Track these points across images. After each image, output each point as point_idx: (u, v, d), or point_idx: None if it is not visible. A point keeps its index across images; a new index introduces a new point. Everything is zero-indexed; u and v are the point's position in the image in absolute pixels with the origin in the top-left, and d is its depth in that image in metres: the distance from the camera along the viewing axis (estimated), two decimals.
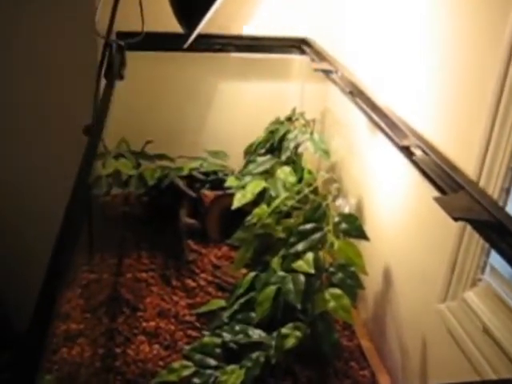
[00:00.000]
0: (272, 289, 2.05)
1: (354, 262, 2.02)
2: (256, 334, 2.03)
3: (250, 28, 2.85)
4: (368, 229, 2.11)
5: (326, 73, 2.51)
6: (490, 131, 1.52)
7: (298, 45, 2.87)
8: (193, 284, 2.48)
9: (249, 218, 2.37)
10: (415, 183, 1.92)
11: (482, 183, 1.54)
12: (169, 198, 2.73)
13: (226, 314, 2.17)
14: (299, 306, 1.96)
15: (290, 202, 2.33)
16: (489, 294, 1.62)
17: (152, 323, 2.24)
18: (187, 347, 2.08)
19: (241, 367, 1.92)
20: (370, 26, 2.43)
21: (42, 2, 2.55)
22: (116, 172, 2.63)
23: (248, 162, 2.74)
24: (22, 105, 2.69)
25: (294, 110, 2.80)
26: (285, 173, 2.54)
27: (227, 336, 2.04)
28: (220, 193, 2.74)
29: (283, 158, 2.60)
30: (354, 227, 2.08)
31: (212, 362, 1.98)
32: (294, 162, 2.62)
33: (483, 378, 1.52)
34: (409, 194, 2.04)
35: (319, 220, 2.11)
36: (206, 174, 2.85)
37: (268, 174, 2.59)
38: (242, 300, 2.18)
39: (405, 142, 1.81)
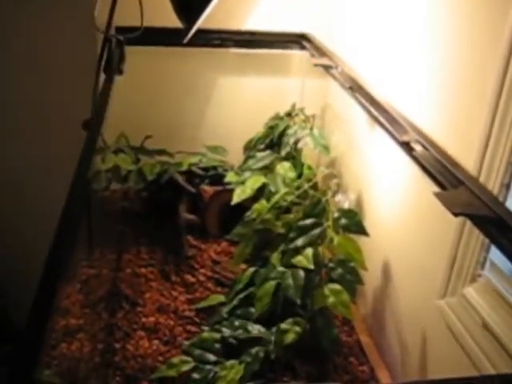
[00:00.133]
0: (271, 284, 2.05)
1: (354, 258, 2.02)
2: (255, 329, 2.03)
3: (250, 23, 2.84)
4: (367, 224, 2.11)
5: (326, 68, 2.51)
6: (490, 127, 1.51)
7: (297, 40, 2.87)
8: (192, 279, 2.48)
9: (248, 213, 2.37)
10: (415, 178, 1.92)
11: (482, 178, 1.54)
12: (168, 194, 2.73)
13: (225, 310, 2.17)
14: (299, 302, 1.97)
15: (290, 198, 2.32)
16: (488, 290, 1.62)
17: (151, 318, 2.24)
18: (187, 342, 2.08)
19: (240, 362, 1.92)
20: (370, 22, 2.43)
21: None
22: (115, 167, 2.62)
23: (247, 158, 2.74)
24: (21, 104, 2.68)
25: (293, 106, 2.80)
26: (284, 168, 2.54)
27: (226, 331, 2.04)
28: (219, 188, 2.74)
29: (283, 153, 2.60)
30: (354, 223, 2.08)
31: (211, 357, 1.98)
32: (294, 157, 2.61)
33: (482, 373, 1.52)
34: (408, 189, 2.03)
35: (319, 215, 2.11)
36: (206, 169, 2.85)
37: (267, 169, 2.59)
38: (241, 295, 2.18)
39: (405, 138, 1.81)
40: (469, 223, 1.59)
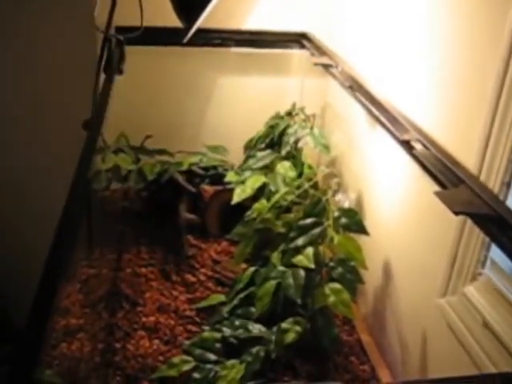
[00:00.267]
0: (272, 284, 2.05)
1: (354, 257, 2.02)
2: (256, 328, 2.03)
3: (250, 22, 2.84)
4: (368, 223, 2.11)
5: (326, 67, 2.50)
6: (490, 126, 1.51)
7: (297, 39, 2.87)
8: (192, 279, 2.48)
9: (248, 212, 2.36)
10: (415, 177, 1.92)
11: (482, 177, 1.54)
12: (168, 193, 2.73)
13: (225, 309, 2.17)
14: (299, 301, 1.97)
15: (290, 197, 2.32)
16: (489, 289, 1.62)
17: (152, 318, 2.24)
18: (187, 342, 2.08)
19: (241, 362, 1.92)
20: (370, 21, 2.42)
21: None
22: (115, 167, 2.63)
23: (248, 157, 2.74)
24: (21, 104, 2.68)
25: (293, 105, 2.79)
26: (285, 168, 2.53)
27: (227, 331, 2.04)
28: (220, 188, 2.74)
29: (283, 152, 2.59)
30: (354, 222, 2.08)
31: (212, 356, 1.98)
32: (294, 156, 2.61)
33: (483, 372, 1.52)
34: (409, 188, 2.03)
35: (319, 215, 2.11)
36: (206, 168, 2.85)
37: (268, 168, 2.59)
38: (241, 295, 2.18)
39: (405, 136, 1.81)
40: (469, 222, 1.59)
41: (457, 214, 1.41)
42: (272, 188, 2.45)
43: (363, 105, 2.14)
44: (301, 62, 2.95)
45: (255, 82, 2.99)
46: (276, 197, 2.32)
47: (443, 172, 1.60)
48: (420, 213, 1.95)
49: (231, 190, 2.54)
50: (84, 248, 2.58)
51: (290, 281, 2.01)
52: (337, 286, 1.98)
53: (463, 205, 1.41)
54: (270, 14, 2.85)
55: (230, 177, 2.68)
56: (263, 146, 2.73)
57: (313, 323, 2.00)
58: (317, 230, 2.08)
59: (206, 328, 2.14)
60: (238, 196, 2.49)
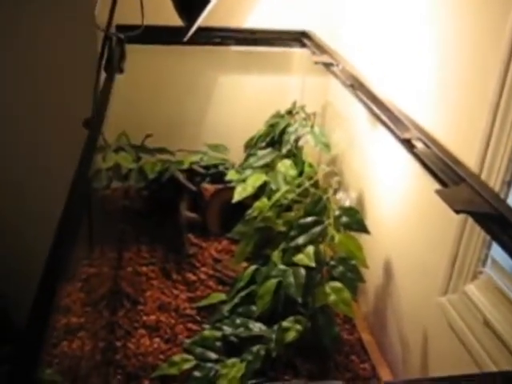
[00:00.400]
0: (273, 282, 2.05)
1: (355, 256, 2.01)
2: (256, 327, 2.03)
3: (251, 21, 2.84)
4: (369, 222, 2.11)
5: (327, 66, 2.50)
6: (491, 124, 1.51)
7: (298, 38, 2.86)
8: (193, 278, 2.48)
9: (249, 211, 2.36)
10: (416, 176, 1.92)
11: (483, 176, 1.54)
12: (169, 192, 2.73)
13: (226, 308, 2.17)
14: (300, 300, 1.97)
15: (291, 196, 2.32)
16: (489, 287, 1.62)
17: (152, 317, 2.24)
18: (188, 341, 2.08)
19: (241, 360, 1.92)
20: (371, 20, 2.42)
21: None
22: (116, 165, 2.62)
23: (248, 156, 2.74)
24: (21, 104, 2.69)
25: (294, 104, 2.79)
26: (285, 166, 2.53)
27: (228, 329, 2.04)
28: (220, 186, 2.74)
29: (284, 151, 2.59)
30: (355, 220, 2.08)
31: (212, 355, 1.98)
32: (295, 155, 2.61)
33: (483, 371, 1.52)
34: (410, 186, 2.03)
35: (320, 213, 2.11)
36: (207, 167, 2.85)
37: (268, 167, 2.59)
38: (242, 293, 2.18)
39: (406, 135, 1.80)
40: (470, 220, 1.59)
41: (458, 212, 1.41)
42: (273, 186, 2.45)
43: (364, 103, 2.14)
44: (301, 61, 2.94)
45: (256, 81, 2.99)
46: (277, 195, 2.32)
47: (444, 170, 1.59)
48: (421, 211, 1.95)
49: (232, 189, 2.54)
50: (85, 247, 2.58)
51: (291, 279, 2.01)
52: (337, 284, 1.98)
53: (464, 203, 1.41)
54: (271, 12, 2.84)
55: (231, 175, 2.67)
56: (264, 144, 2.73)
57: (313, 322, 2.00)
58: (317, 229, 2.08)
59: (207, 326, 2.15)
60: (238, 194, 2.49)
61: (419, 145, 1.76)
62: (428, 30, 1.89)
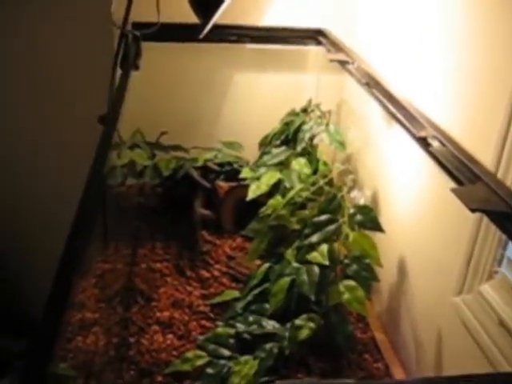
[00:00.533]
0: (286, 280, 2.05)
1: (369, 254, 2.01)
2: (270, 324, 2.03)
3: (266, 19, 2.84)
4: (383, 220, 2.10)
5: (342, 64, 2.49)
6: (508, 122, 1.50)
7: (314, 36, 2.85)
8: (207, 275, 2.48)
9: (263, 209, 2.36)
10: (431, 174, 1.91)
11: (499, 174, 1.52)
12: (183, 189, 2.73)
13: (239, 305, 2.17)
14: (313, 298, 1.96)
15: (305, 194, 2.32)
16: (505, 287, 1.61)
17: (166, 313, 2.25)
18: (201, 337, 2.09)
19: (254, 358, 1.92)
20: (387, 19, 2.41)
21: None
22: (131, 162, 2.63)
23: (263, 154, 2.73)
24: (39, 98, 2.71)
25: (309, 102, 2.79)
26: (300, 164, 2.53)
27: (241, 327, 2.04)
28: (234, 184, 2.74)
29: (298, 149, 2.59)
30: (369, 219, 2.07)
31: (225, 352, 1.99)
32: (310, 153, 2.61)
33: (498, 371, 1.50)
34: (425, 185, 2.02)
35: (334, 211, 2.10)
36: (221, 164, 2.85)
37: (283, 165, 2.58)
38: (255, 291, 2.18)
39: (422, 133, 1.79)
40: (486, 219, 1.58)
41: (473, 211, 1.39)
42: (287, 184, 2.45)
43: (379, 101, 2.13)
44: (317, 59, 2.94)
45: (271, 79, 2.99)
46: (291, 193, 2.32)
47: (460, 169, 1.59)
48: (436, 210, 1.94)
49: (246, 186, 2.54)
50: (99, 243, 2.60)
51: (305, 277, 2.01)
52: (351, 283, 1.97)
53: (480, 202, 1.40)
54: (287, 10, 2.84)
55: (245, 173, 2.67)
56: (278, 142, 2.72)
57: (327, 320, 2.00)
58: (332, 227, 2.08)
59: (220, 323, 2.15)
60: (252, 192, 2.49)
61: (435, 143, 1.75)
62: (443, 29, 1.88)
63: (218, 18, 2.04)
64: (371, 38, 2.56)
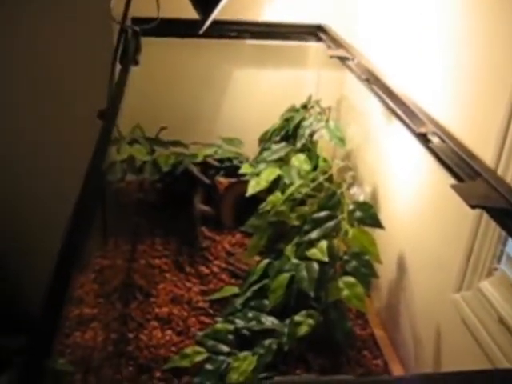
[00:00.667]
0: (285, 276, 2.05)
1: (369, 251, 2.01)
2: (269, 321, 2.03)
3: (266, 14, 2.83)
4: (383, 217, 2.10)
5: (342, 60, 2.49)
6: (508, 119, 1.49)
7: (314, 32, 2.84)
8: (206, 271, 2.48)
9: (263, 205, 2.36)
10: (431, 171, 1.90)
11: (499, 171, 1.52)
12: (183, 185, 2.73)
13: (239, 301, 2.17)
14: (312, 294, 1.96)
15: (305, 190, 2.31)
16: (504, 284, 1.60)
17: (165, 309, 2.25)
18: (200, 333, 2.09)
19: (253, 354, 1.92)
20: (387, 16, 2.40)
21: None
22: (130, 158, 2.63)
23: (263, 150, 2.73)
24: (38, 93, 2.70)
25: (309, 98, 2.78)
26: (299, 160, 2.52)
27: (240, 323, 2.04)
28: (234, 180, 2.74)
29: (298, 145, 2.58)
30: (369, 215, 2.07)
31: (224, 348, 1.99)
32: (309, 149, 2.60)
33: (497, 367, 1.50)
34: (424, 181, 2.02)
35: (333, 208, 2.10)
36: (221, 160, 2.84)
37: (283, 161, 2.58)
38: (255, 287, 2.18)
39: (421, 129, 1.79)
40: (485, 216, 1.58)
41: (473, 207, 1.39)
42: (286, 181, 2.44)
43: (379, 97, 2.13)
44: (317, 55, 2.93)
45: (271, 75, 2.98)
46: (290, 189, 2.31)
47: (460, 165, 1.58)
48: (435, 206, 1.94)
49: (246, 182, 2.54)
50: (99, 239, 2.59)
51: (304, 274, 2.01)
52: (351, 279, 1.97)
53: (480, 198, 1.39)
54: (287, 6, 2.83)
55: (245, 169, 2.67)
56: (278, 138, 2.72)
57: (326, 316, 1.99)
58: (331, 223, 2.07)
59: (219, 319, 2.15)
60: (252, 188, 2.49)
61: (435, 139, 1.74)
62: (443, 27, 1.87)
63: (217, 13, 2.03)
64: (371, 35, 2.56)
